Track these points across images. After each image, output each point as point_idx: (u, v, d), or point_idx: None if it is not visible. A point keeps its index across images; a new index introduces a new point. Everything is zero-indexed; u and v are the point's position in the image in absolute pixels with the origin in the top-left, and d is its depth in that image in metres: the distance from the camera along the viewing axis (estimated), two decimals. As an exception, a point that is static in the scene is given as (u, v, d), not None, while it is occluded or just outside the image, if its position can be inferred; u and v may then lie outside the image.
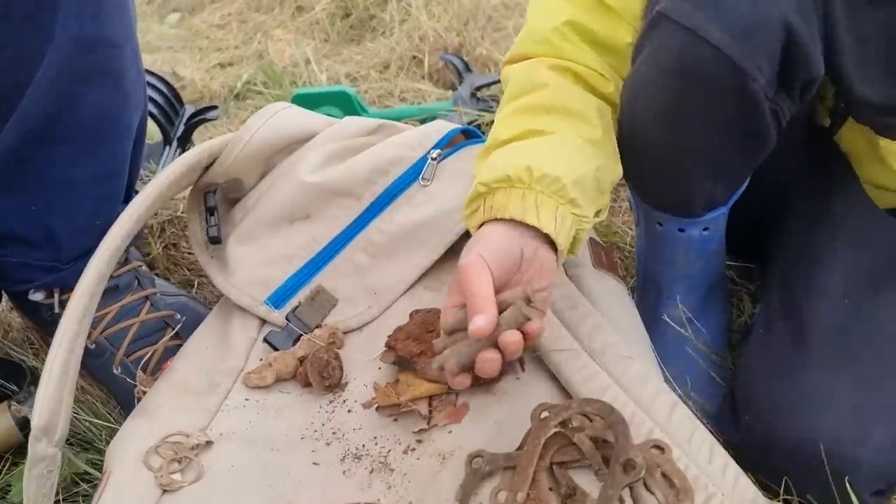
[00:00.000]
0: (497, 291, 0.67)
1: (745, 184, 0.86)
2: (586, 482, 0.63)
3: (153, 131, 1.35)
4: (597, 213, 0.75)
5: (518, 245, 0.69)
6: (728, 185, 0.85)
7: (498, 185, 0.70)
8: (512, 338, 0.64)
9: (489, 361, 0.65)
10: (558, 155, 0.71)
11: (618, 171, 0.76)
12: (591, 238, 0.92)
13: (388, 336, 0.81)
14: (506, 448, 0.67)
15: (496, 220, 0.69)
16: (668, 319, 0.92)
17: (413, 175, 0.90)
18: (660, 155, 0.77)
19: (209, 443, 0.71)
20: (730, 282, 1.03)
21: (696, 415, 0.69)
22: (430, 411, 0.74)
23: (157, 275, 1.10)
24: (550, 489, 0.63)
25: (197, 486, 0.66)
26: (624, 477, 0.58)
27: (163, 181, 0.79)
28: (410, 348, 0.76)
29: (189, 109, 1.32)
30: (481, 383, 0.72)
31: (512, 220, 0.68)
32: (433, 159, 0.90)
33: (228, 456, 0.71)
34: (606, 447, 0.63)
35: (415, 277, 0.86)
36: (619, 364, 0.71)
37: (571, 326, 0.75)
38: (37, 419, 0.65)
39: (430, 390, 0.74)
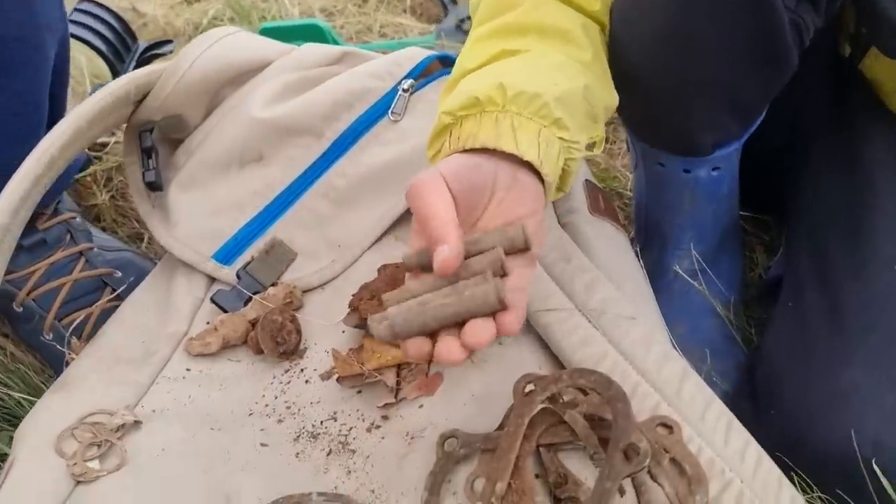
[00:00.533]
0: (466, 222, 0.52)
1: (762, 117, 0.74)
2: (580, 468, 0.53)
3: (103, 71, 1.23)
4: (590, 146, 0.59)
5: (490, 166, 0.53)
6: (742, 119, 0.73)
7: (465, 112, 0.55)
8: (477, 336, 0.47)
9: (449, 352, 0.47)
10: (537, 70, 0.56)
11: (613, 97, 0.62)
12: (586, 180, 0.80)
13: (353, 295, 0.70)
14: (485, 427, 0.57)
15: (464, 151, 0.54)
16: (678, 270, 0.81)
17: (381, 109, 0.78)
18: (659, 86, 0.64)
19: (137, 422, 0.61)
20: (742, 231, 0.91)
21: (709, 383, 0.59)
22: (399, 382, 0.63)
23: (103, 228, 0.98)
24: (537, 476, 0.53)
25: (118, 476, 0.56)
26: (625, 465, 0.47)
27: (82, 115, 0.67)
28: (376, 309, 0.65)
29: (142, 45, 1.18)
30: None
31: (484, 150, 0.53)
32: (405, 91, 0.79)
33: (160, 438, 0.60)
34: (604, 426, 0.52)
35: (384, 227, 0.75)
36: (620, 326, 0.60)
37: (564, 282, 0.63)
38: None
39: (398, 358, 0.64)
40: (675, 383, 0.57)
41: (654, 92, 0.64)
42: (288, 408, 0.65)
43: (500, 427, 0.56)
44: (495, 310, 0.47)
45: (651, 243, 0.87)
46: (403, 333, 0.48)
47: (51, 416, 0.60)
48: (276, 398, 0.65)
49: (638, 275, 0.71)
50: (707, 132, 0.70)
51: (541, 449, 0.54)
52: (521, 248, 0.50)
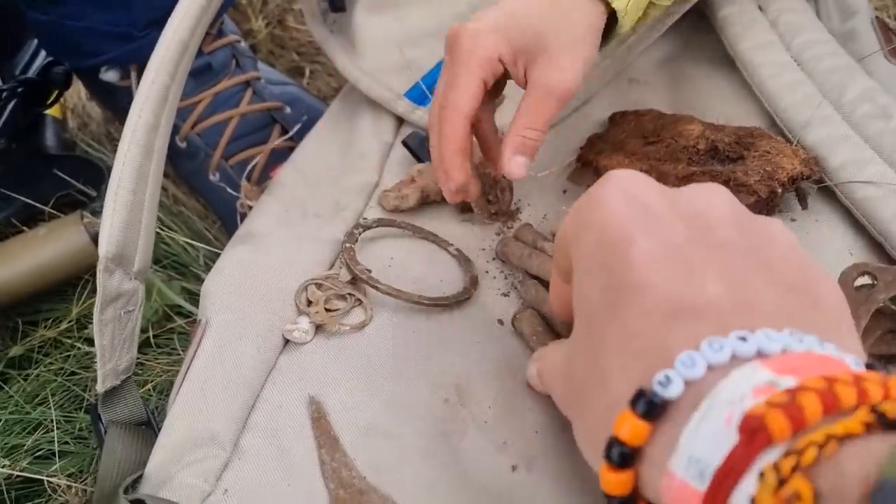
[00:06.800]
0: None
1: None
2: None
3: None
4: None
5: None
6: None
7: None
8: None
9: None
10: None
11: None
12: (876, 17, 0.62)
13: (581, 148, 0.57)
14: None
15: None
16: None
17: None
18: None
19: (368, 270, 0.51)
20: None
21: None
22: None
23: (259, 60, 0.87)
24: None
25: (327, 346, 0.47)
26: None
27: None
28: (623, 165, 0.52)
29: None
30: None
31: None
32: None
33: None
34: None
35: (618, 68, 0.61)
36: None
37: (883, 146, 0.49)
38: (105, 245, 0.45)
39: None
40: None
41: None
42: (506, 277, 0.54)
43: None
44: None
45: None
46: None
47: (241, 273, 0.51)
48: (492, 266, 0.55)
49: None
50: None
51: (871, 362, 0.41)
52: None
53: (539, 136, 0.46)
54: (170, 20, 0.52)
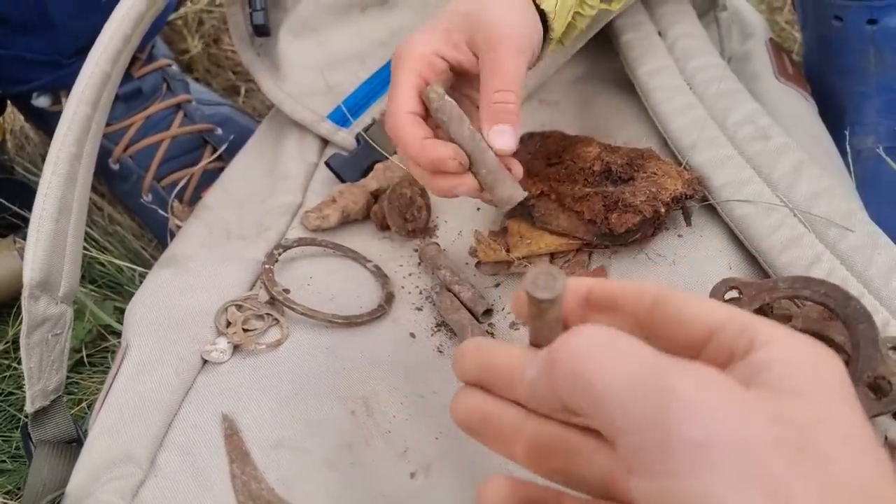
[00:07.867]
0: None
1: None
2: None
3: None
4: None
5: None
6: None
7: None
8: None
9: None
10: None
11: None
12: (770, 39, 0.67)
13: (493, 168, 0.60)
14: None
15: None
16: (862, 148, 0.69)
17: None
18: None
19: (286, 290, 0.54)
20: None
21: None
22: (553, 275, 0.54)
23: (196, 79, 0.89)
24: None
25: (243, 364, 0.49)
26: (874, 403, 0.38)
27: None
28: (530, 186, 0.56)
29: None
30: (620, 237, 0.51)
31: None
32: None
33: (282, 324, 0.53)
34: (824, 347, 0.43)
35: (529, 90, 0.64)
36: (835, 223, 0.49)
37: (762, 166, 0.52)
38: (29, 273, 0.48)
39: (552, 245, 0.55)
40: (908, 298, 0.46)
41: None
42: (421, 292, 0.57)
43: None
44: None
45: (824, 117, 0.74)
46: None
47: (163, 297, 0.53)
48: (407, 281, 0.58)
49: (839, 160, 0.59)
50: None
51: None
52: None
53: (512, 97, 0.43)
54: (91, 51, 0.54)
